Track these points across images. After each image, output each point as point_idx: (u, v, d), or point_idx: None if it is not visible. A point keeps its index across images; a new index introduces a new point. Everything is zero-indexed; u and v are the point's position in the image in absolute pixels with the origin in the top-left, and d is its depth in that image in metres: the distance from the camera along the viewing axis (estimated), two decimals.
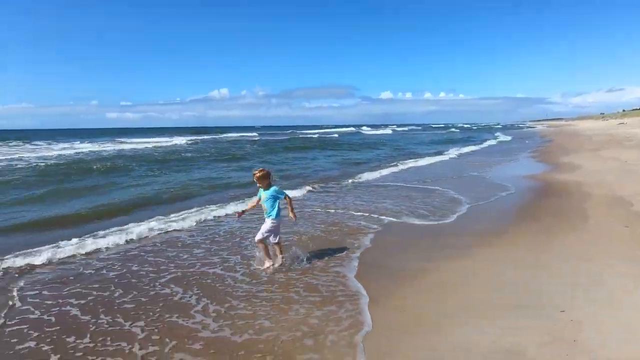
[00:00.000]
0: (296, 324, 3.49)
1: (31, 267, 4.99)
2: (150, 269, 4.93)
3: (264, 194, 4.91)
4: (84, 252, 5.51)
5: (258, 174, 4.86)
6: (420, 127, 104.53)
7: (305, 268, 4.82)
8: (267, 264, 4.86)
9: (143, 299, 4.08)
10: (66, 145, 33.26)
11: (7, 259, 5.14)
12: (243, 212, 5.14)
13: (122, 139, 42.11)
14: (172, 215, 7.50)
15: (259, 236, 4.90)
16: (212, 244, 5.92)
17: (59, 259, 5.27)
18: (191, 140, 39.98)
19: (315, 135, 51.26)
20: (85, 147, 30.73)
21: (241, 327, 3.49)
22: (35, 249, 5.49)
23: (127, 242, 5.98)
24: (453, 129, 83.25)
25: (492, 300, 3.84)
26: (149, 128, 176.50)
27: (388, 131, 70.46)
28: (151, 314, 3.77)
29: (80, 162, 18.76)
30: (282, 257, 4.98)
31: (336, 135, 54.27)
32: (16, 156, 22.18)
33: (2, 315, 3.78)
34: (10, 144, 36.36)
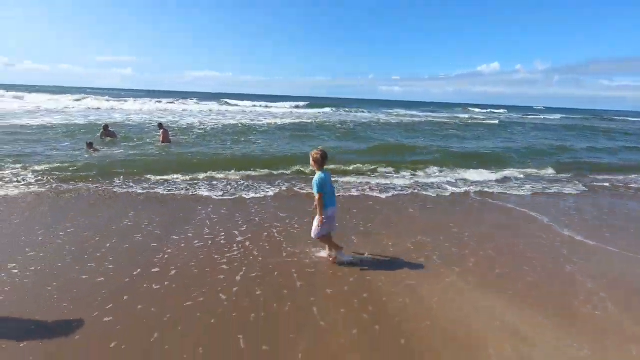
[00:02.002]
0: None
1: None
2: None
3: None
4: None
5: (313, 154, 4.16)
6: None
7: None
8: (323, 253, 4.71)
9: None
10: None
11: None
12: None
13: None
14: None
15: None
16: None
17: None
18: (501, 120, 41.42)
19: None
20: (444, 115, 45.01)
21: None
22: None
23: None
24: None
25: None
26: (413, 102, 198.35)
27: None
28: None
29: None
30: (329, 255, 4.58)
31: None
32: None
33: None
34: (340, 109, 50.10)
